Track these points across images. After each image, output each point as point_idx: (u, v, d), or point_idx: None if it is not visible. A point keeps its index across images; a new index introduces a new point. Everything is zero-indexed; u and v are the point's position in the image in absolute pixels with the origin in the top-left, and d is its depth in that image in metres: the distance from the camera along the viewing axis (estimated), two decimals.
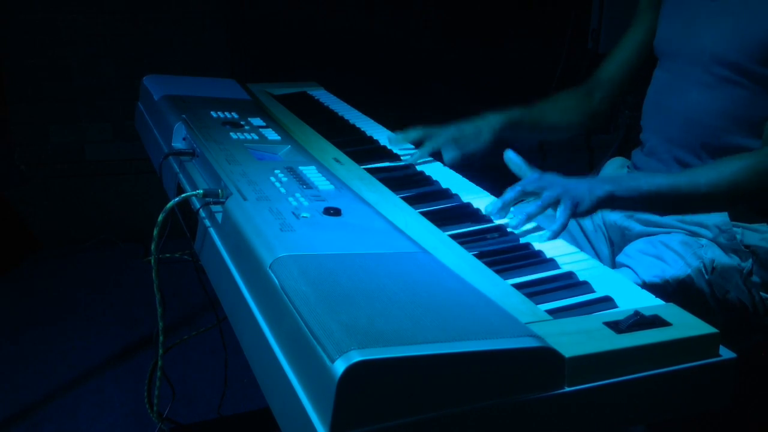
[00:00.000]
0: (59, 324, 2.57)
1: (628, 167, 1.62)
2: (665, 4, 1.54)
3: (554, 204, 1.19)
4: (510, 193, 1.22)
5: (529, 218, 1.19)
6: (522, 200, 1.24)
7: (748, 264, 1.38)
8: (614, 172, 1.64)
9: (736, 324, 1.37)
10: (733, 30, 1.35)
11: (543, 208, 1.19)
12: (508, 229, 1.19)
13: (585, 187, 1.19)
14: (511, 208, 1.23)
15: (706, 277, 1.35)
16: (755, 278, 1.38)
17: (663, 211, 1.37)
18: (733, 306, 1.36)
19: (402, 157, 1.53)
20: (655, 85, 1.55)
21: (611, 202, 1.21)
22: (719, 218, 1.40)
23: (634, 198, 1.22)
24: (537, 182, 1.21)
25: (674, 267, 1.35)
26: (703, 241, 1.40)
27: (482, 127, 1.51)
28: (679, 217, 1.44)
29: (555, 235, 1.17)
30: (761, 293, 1.38)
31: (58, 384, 2.22)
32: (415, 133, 1.54)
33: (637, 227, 1.49)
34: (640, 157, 1.58)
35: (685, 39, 1.45)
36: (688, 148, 1.45)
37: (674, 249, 1.38)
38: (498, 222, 1.21)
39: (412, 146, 1.57)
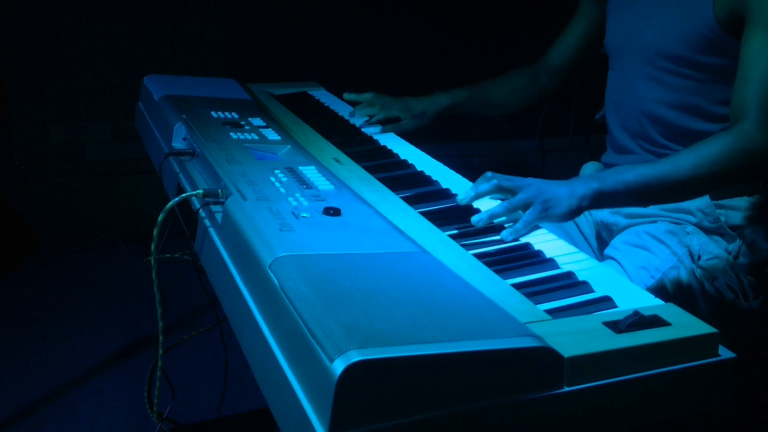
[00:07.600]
0: (59, 324, 2.57)
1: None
2: (610, 3, 1.59)
3: (524, 207, 1.18)
4: (484, 186, 1.22)
5: (492, 218, 1.18)
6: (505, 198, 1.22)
7: (734, 246, 1.38)
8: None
9: (727, 310, 1.37)
10: (672, 24, 1.40)
11: (510, 210, 1.18)
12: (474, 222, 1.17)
13: (564, 191, 1.19)
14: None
15: (693, 265, 1.35)
16: (742, 260, 1.37)
17: (650, 202, 1.37)
18: (722, 292, 1.36)
19: (400, 156, 1.53)
20: (610, 85, 1.59)
21: (599, 198, 1.21)
22: (701, 201, 1.40)
23: (620, 191, 1.22)
24: (514, 181, 1.21)
25: (660, 257, 1.35)
26: (689, 227, 1.40)
27: (427, 108, 1.74)
28: (662, 205, 1.44)
29: (516, 233, 1.15)
30: (749, 277, 1.37)
31: (58, 384, 2.22)
32: (367, 96, 1.77)
33: (623, 221, 1.49)
34: (613, 156, 1.60)
35: (630, 37, 1.49)
36: (650, 140, 1.48)
37: (659, 238, 1.38)
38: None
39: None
